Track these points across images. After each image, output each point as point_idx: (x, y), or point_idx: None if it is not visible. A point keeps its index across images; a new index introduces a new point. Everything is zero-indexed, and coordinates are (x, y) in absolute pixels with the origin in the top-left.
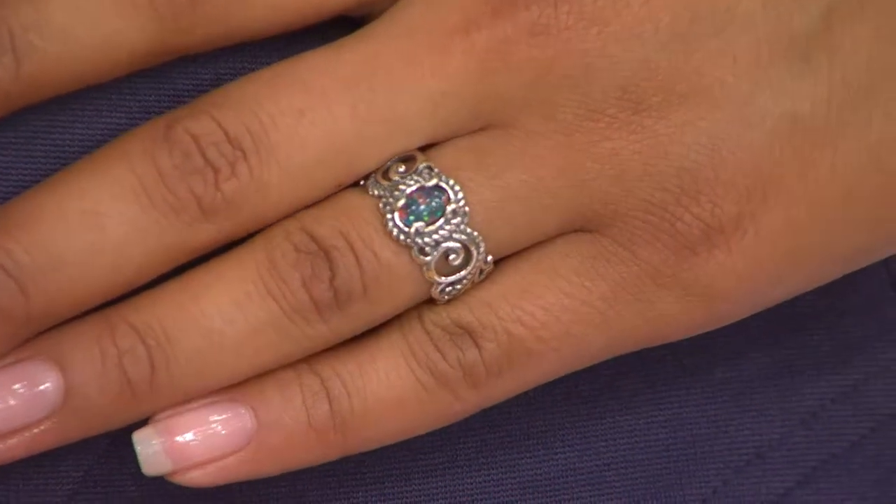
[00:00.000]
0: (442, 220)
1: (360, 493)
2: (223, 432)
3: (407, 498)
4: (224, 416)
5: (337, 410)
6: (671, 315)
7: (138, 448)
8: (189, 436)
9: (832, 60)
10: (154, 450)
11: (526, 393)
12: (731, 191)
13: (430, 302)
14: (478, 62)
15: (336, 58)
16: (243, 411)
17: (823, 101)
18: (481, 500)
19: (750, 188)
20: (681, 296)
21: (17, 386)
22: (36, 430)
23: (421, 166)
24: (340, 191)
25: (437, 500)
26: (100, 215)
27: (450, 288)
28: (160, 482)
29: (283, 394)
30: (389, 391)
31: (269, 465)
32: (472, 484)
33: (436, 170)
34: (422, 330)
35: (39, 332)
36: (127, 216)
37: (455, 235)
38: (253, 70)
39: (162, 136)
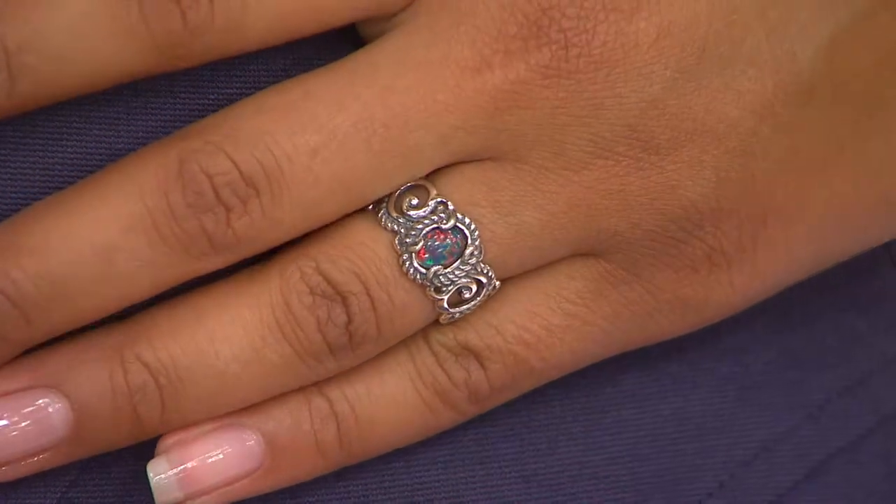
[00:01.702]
0: (459, 262)
1: (361, 487)
2: (233, 458)
3: (408, 491)
4: (234, 442)
5: (344, 433)
6: (668, 324)
7: (153, 479)
8: (200, 463)
9: (835, 92)
10: (167, 479)
11: None
12: (733, 217)
13: (436, 321)
14: (490, 100)
15: (349, 91)
16: (252, 435)
17: (825, 131)
18: (483, 493)
19: (751, 214)
20: (679, 308)
21: (28, 414)
22: (42, 457)
23: (433, 203)
24: (351, 219)
25: (439, 493)
26: (109, 249)
27: (458, 314)
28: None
29: (292, 418)
30: (395, 412)
31: (273, 484)
32: (474, 477)
33: (451, 207)
34: (429, 351)
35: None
36: (137, 251)
37: (471, 273)
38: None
39: (175, 173)
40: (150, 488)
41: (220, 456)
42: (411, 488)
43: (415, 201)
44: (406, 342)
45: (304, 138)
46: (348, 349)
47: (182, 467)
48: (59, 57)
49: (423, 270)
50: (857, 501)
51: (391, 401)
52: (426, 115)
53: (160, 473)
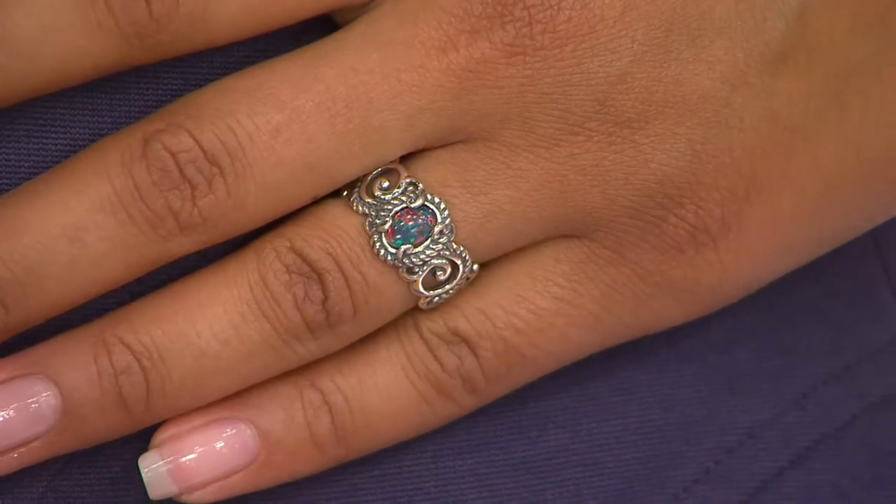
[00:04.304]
0: (429, 241)
1: (349, 474)
2: (227, 452)
3: (398, 480)
4: (227, 436)
5: (339, 425)
6: (662, 310)
7: (144, 472)
8: (194, 457)
9: (810, 58)
10: (160, 473)
11: None
12: (713, 193)
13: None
14: (456, 80)
15: (312, 72)
16: (246, 429)
17: (802, 98)
18: (473, 481)
19: (732, 188)
20: (670, 292)
21: (15, 403)
22: (30, 447)
23: (404, 183)
24: (324, 203)
25: (428, 481)
26: (79, 230)
27: (437, 299)
28: (118, 496)
29: (285, 410)
30: (390, 404)
31: (271, 479)
32: (463, 465)
33: (420, 187)
34: (419, 339)
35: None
36: (106, 231)
37: (443, 253)
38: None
39: (140, 152)
40: (140, 481)
41: (213, 449)
42: (399, 475)
43: (386, 184)
44: (397, 332)
45: (265, 117)
46: (326, 327)
47: (174, 460)
48: (29, 52)
49: (393, 250)
50: (842, 487)
51: (384, 390)
52: (390, 96)
53: (152, 466)
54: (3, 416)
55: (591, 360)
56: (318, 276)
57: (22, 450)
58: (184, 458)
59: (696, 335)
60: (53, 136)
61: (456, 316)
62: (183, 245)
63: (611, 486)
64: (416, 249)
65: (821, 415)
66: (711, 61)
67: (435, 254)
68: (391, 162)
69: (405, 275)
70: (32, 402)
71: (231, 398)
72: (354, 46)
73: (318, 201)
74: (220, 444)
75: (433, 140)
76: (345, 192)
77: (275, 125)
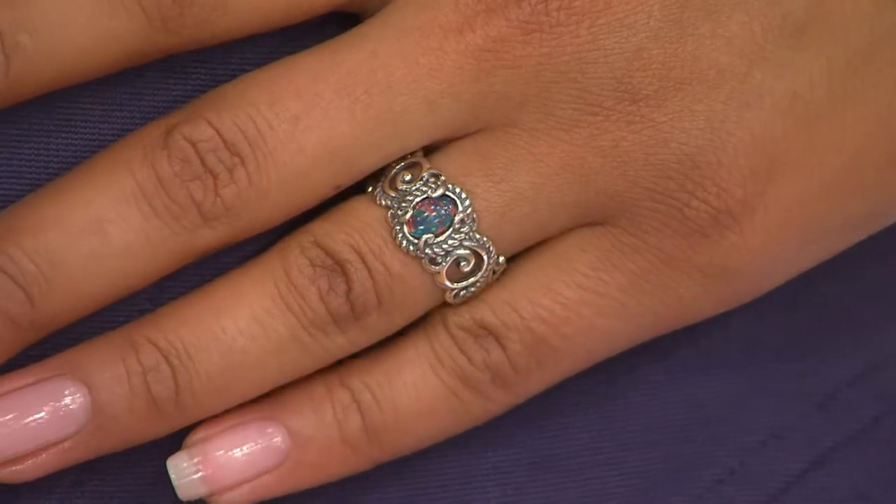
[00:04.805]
0: (450, 231)
1: (373, 473)
2: (258, 453)
3: (421, 476)
4: (258, 437)
5: (369, 423)
6: (692, 298)
7: (173, 474)
8: (224, 458)
9: (829, 31)
10: (189, 475)
11: None
12: (734, 173)
13: (455, 304)
14: (473, 61)
15: (332, 60)
16: (276, 430)
17: (823, 73)
18: (496, 478)
19: (754, 168)
20: (698, 279)
21: (45, 404)
22: (63, 447)
23: (426, 175)
24: (349, 199)
25: (453, 477)
26: (102, 222)
27: (464, 292)
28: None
29: (315, 410)
30: (419, 401)
31: (306, 480)
32: (486, 462)
33: (442, 178)
34: (446, 334)
35: (55, 340)
36: (129, 223)
37: (465, 243)
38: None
39: (161, 143)
40: (158, 489)
41: (243, 450)
42: (423, 470)
43: (408, 177)
44: (425, 329)
45: (284, 105)
46: (351, 319)
47: (201, 461)
48: (53, 33)
49: (415, 241)
50: (865, 489)
51: (412, 387)
52: (409, 80)
53: (180, 467)
54: (33, 417)
55: (614, 358)
56: (342, 267)
57: (53, 451)
58: (212, 460)
59: (719, 335)
60: (83, 132)
61: (482, 309)
62: (208, 238)
63: (634, 486)
64: (438, 239)
65: (844, 416)
66: (729, 36)
67: (457, 244)
68: (414, 155)
69: (428, 265)
70: (62, 403)
71: (260, 399)
72: (374, 35)
73: (343, 199)
74: (248, 445)
75: (455, 128)
76: (370, 188)
77: (294, 112)
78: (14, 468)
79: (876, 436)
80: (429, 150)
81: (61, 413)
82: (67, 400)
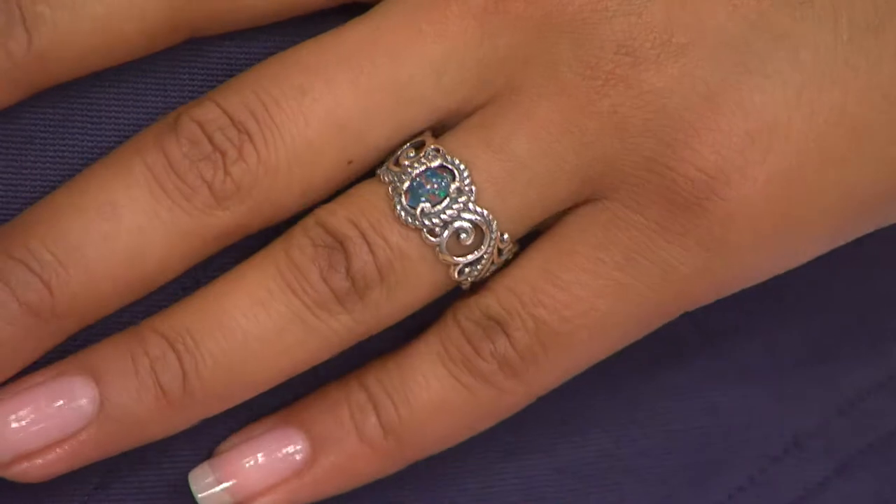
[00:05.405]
0: (448, 200)
1: (393, 476)
2: (279, 459)
3: (440, 481)
4: (278, 443)
5: (386, 421)
6: (692, 274)
7: (194, 487)
8: (246, 467)
9: (836, 5)
10: (212, 487)
11: None
12: (732, 139)
13: (464, 296)
14: (476, 23)
15: (337, 37)
16: (296, 434)
17: (828, 44)
18: (517, 483)
19: (753, 134)
20: (697, 253)
21: (53, 402)
22: (74, 442)
23: (429, 149)
24: (357, 182)
25: (472, 482)
26: (114, 205)
27: (469, 268)
28: None
29: (332, 411)
30: (431, 395)
31: (333, 484)
32: (507, 468)
33: (442, 150)
34: (456, 327)
35: (72, 342)
36: (140, 204)
37: (463, 215)
38: None
39: (170, 127)
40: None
41: (265, 458)
42: (444, 478)
43: (412, 154)
44: (437, 325)
45: (290, 81)
46: (354, 295)
47: (224, 472)
48: (73, 4)
49: (412, 210)
50: (886, 497)
51: (423, 381)
52: (414, 48)
53: (203, 481)
54: (43, 413)
55: (634, 363)
56: (342, 244)
57: (65, 447)
58: (234, 470)
59: (740, 341)
60: (107, 130)
61: (488, 297)
62: (223, 219)
63: (654, 493)
64: (435, 209)
65: (866, 423)
66: (734, 3)
67: (455, 214)
68: (422, 134)
69: (428, 237)
70: (71, 398)
71: (282, 409)
72: (378, 12)
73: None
74: (269, 452)
75: (462, 98)
76: (378, 171)
77: (300, 87)
78: (26, 465)
79: None
80: (439, 134)
81: (70, 408)
82: (76, 395)
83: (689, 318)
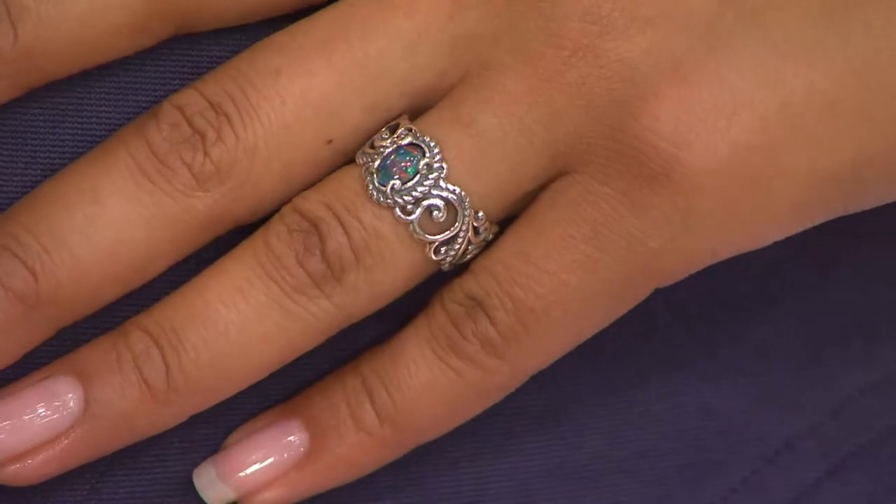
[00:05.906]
0: (418, 177)
1: (388, 479)
2: (280, 452)
3: (435, 484)
4: (279, 436)
5: (378, 405)
6: (658, 247)
7: (198, 484)
8: (248, 462)
9: None
10: (215, 483)
11: (555, 379)
12: (696, 109)
13: (450, 280)
14: None
15: (312, 19)
16: (295, 426)
17: (796, 20)
18: (510, 485)
19: (719, 105)
20: (661, 224)
21: (40, 403)
22: (64, 442)
23: (402, 130)
24: (335, 169)
25: (466, 484)
26: (97, 191)
27: (445, 248)
28: None
29: (329, 399)
30: (420, 378)
31: (336, 474)
32: (501, 469)
33: (414, 130)
34: (441, 310)
35: (65, 348)
36: (122, 189)
37: (434, 192)
38: None
39: (152, 115)
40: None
41: (266, 452)
42: (437, 477)
43: (386, 135)
44: (425, 310)
45: (265, 62)
46: (331, 278)
47: (226, 468)
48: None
49: (383, 188)
50: (879, 498)
51: (413, 365)
52: (385, 24)
53: (206, 477)
54: (28, 414)
55: (629, 365)
56: (316, 227)
57: (54, 448)
58: (236, 465)
59: (734, 343)
60: (97, 132)
61: (469, 280)
62: (206, 202)
63: (648, 494)
64: (406, 186)
65: (857, 425)
66: None
67: (426, 191)
68: (399, 117)
69: (400, 215)
70: (56, 397)
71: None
72: None
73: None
74: (270, 446)
75: (435, 74)
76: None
77: (276, 68)
78: (17, 467)
79: (889, 445)
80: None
81: (56, 407)
82: (62, 394)
83: (681, 319)
